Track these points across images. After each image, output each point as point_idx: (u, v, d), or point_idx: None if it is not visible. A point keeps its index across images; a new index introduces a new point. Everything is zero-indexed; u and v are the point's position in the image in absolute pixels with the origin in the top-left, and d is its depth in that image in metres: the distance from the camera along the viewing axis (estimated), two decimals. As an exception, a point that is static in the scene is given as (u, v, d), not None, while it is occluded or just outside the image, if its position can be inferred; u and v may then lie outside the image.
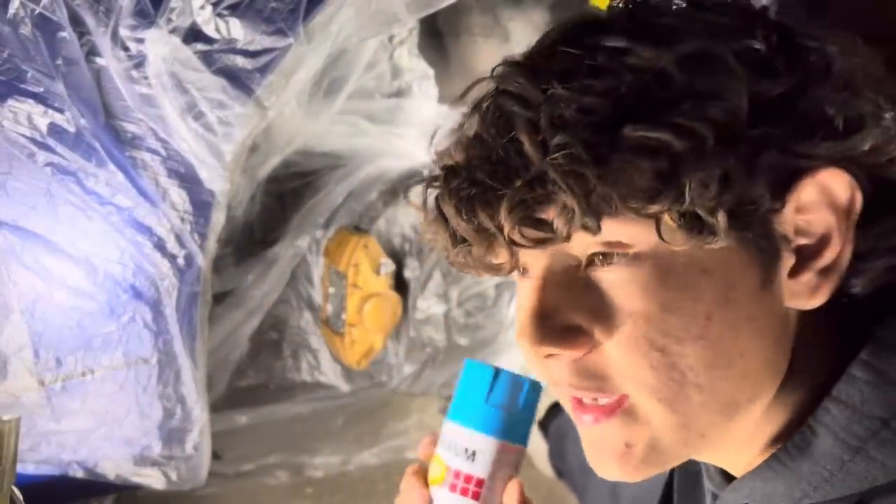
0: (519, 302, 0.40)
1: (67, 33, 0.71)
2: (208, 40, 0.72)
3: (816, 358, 0.36)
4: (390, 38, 1.33)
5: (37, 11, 0.70)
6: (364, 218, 1.16)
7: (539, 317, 0.36)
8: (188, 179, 0.78)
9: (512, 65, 0.37)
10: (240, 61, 0.73)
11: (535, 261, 0.37)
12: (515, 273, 0.40)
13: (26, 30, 0.70)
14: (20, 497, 0.50)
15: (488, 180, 0.35)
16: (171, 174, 0.78)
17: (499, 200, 0.34)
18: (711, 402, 0.35)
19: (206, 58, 0.73)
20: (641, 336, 0.34)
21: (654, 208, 0.32)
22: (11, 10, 0.69)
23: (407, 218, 1.16)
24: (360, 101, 1.31)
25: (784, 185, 0.33)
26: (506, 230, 0.35)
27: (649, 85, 0.33)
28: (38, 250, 0.76)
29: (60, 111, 0.73)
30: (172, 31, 0.71)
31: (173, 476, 0.90)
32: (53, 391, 0.80)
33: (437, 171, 0.39)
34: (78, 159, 0.74)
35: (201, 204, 0.80)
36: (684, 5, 0.36)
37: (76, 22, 0.71)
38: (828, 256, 0.34)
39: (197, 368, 0.86)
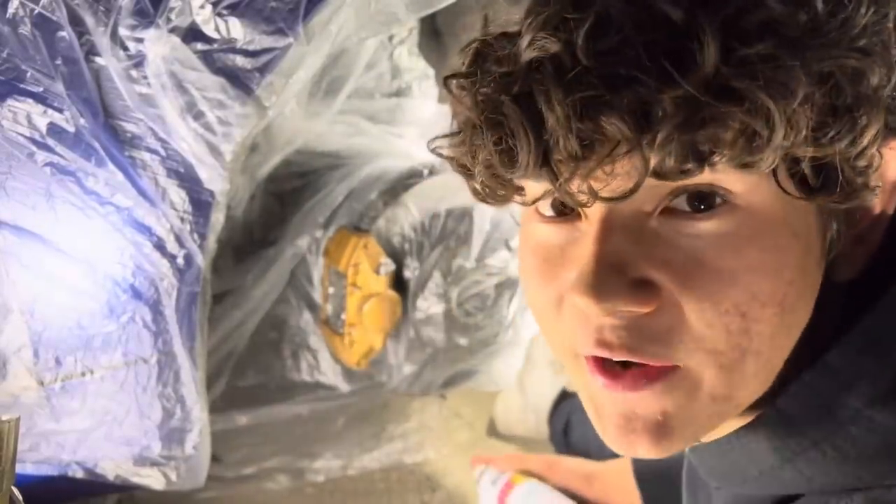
0: (567, 251, 0.35)
1: (67, 33, 0.71)
2: (208, 40, 0.72)
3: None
4: (390, 38, 1.33)
5: (36, 11, 0.70)
6: (364, 218, 1.16)
7: (607, 268, 0.31)
8: (188, 179, 0.78)
9: None
10: (240, 61, 0.73)
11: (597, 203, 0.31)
12: (542, 207, 0.35)
13: (25, 29, 0.70)
14: (20, 497, 0.50)
15: (641, 77, 0.27)
16: (170, 174, 0.78)
17: (650, 108, 0.28)
18: (762, 372, 0.33)
19: (206, 57, 0.72)
20: (726, 296, 0.30)
21: (810, 150, 0.29)
22: (11, 10, 0.69)
23: (407, 218, 1.16)
24: (360, 101, 1.31)
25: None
26: (652, 150, 0.28)
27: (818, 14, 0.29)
28: (37, 250, 0.76)
29: (60, 111, 0.73)
30: (172, 31, 0.71)
31: (173, 476, 0.90)
32: (53, 391, 0.80)
33: (503, 54, 0.33)
34: (77, 159, 0.74)
35: (201, 204, 0.80)
36: None
37: (75, 21, 0.71)
38: (862, 226, 0.32)
39: (196, 368, 0.86)
